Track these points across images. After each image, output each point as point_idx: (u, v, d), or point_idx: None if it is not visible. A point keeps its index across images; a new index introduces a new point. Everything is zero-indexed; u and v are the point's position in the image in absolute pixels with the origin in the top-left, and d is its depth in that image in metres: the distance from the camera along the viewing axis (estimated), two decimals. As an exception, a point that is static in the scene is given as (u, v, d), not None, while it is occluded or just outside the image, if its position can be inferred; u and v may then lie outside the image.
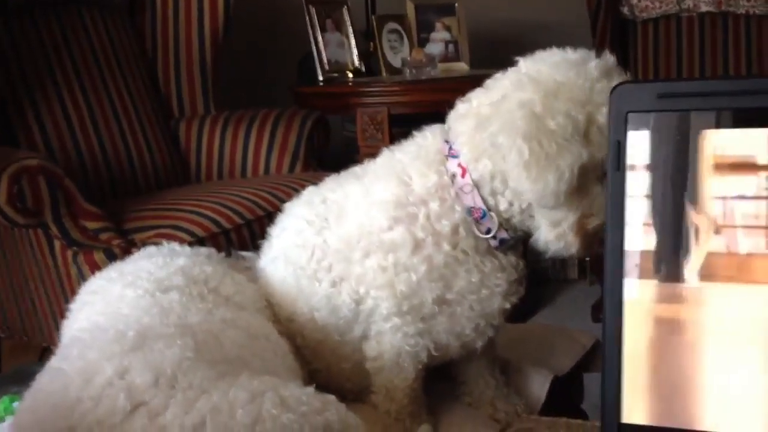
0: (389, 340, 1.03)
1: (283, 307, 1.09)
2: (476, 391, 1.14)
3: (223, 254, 1.18)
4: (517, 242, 1.03)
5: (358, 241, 1.02)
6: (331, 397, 0.76)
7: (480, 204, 0.98)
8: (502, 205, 0.99)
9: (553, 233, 0.97)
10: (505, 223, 1.00)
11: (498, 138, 0.94)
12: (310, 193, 1.12)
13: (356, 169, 1.10)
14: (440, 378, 1.14)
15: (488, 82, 1.01)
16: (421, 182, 1.00)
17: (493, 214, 0.99)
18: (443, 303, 1.00)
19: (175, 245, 1.15)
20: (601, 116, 0.91)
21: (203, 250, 1.15)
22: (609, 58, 0.97)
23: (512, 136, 0.92)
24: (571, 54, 0.97)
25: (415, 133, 1.07)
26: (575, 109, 0.91)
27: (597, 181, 0.94)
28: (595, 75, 0.93)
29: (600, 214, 0.94)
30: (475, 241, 1.00)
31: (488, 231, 1.00)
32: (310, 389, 0.76)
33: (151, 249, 1.14)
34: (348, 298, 1.03)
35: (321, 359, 1.10)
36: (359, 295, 1.02)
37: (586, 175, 0.92)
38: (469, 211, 0.99)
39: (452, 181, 0.99)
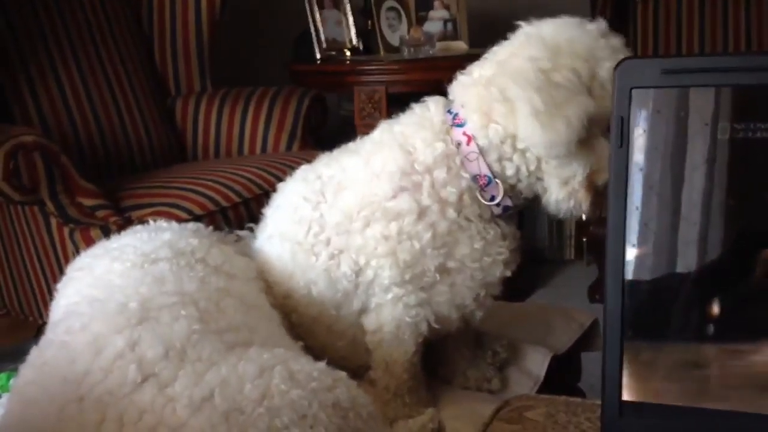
0: (389, 312, 1.03)
1: (280, 284, 1.09)
2: (451, 363, 1.16)
3: (210, 228, 1.18)
4: (514, 211, 1.05)
5: (359, 211, 1.02)
6: (342, 374, 0.76)
7: (486, 171, 1.00)
8: (509, 171, 1.00)
9: (564, 191, 1.00)
10: (509, 190, 1.02)
11: (509, 92, 0.96)
12: (304, 170, 1.12)
13: (350, 145, 1.11)
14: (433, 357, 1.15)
15: (487, 55, 1.04)
16: (427, 151, 1.01)
17: (498, 181, 1.00)
18: (444, 272, 1.01)
19: (162, 222, 1.15)
20: (603, 71, 0.95)
21: (190, 225, 1.15)
22: (602, 22, 1.01)
23: (524, 88, 0.94)
24: (569, 18, 1.02)
25: (413, 105, 1.07)
26: (578, 63, 0.95)
27: (602, 135, 0.96)
28: (595, 33, 0.98)
29: (607, 169, 0.96)
30: (480, 208, 1.01)
31: (492, 198, 1.01)
32: (321, 364, 0.76)
33: (137, 227, 1.14)
34: (348, 269, 1.03)
35: (316, 337, 1.10)
36: (359, 266, 1.03)
37: (591, 128, 0.94)
38: (475, 178, 1.01)
39: (457, 149, 1.01)
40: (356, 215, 1.02)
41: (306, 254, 1.06)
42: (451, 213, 1.00)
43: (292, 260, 1.08)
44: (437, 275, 1.01)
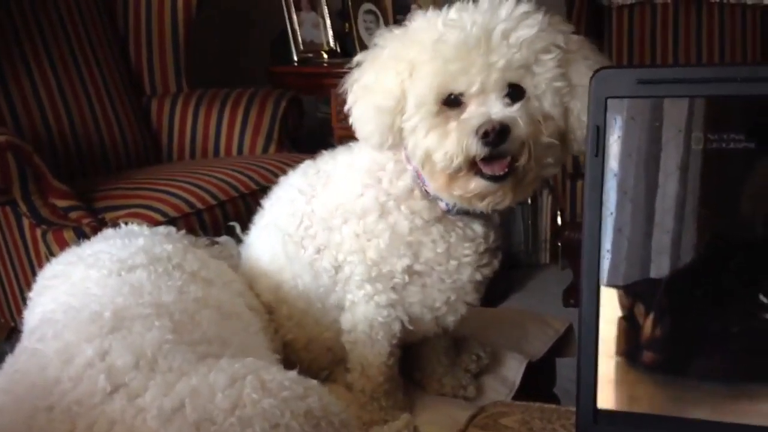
0: (362, 311, 1.04)
1: (270, 275, 1.12)
2: (428, 369, 1.16)
3: (183, 232, 1.18)
4: (486, 212, 1.02)
5: (337, 208, 1.04)
6: (314, 382, 0.76)
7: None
8: None
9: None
10: None
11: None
12: (306, 164, 1.14)
13: (352, 143, 1.11)
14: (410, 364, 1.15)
15: None
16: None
17: None
18: (413, 273, 1.02)
19: (133, 226, 1.15)
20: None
21: (161, 229, 1.16)
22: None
23: None
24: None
25: None
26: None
27: None
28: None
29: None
30: (428, 203, 1.01)
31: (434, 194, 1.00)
32: (293, 373, 0.76)
33: (108, 232, 1.14)
34: (328, 264, 1.06)
35: (304, 329, 1.11)
36: (338, 262, 1.05)
37: None
38: (416, 173, 1.00)
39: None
40: (335, 212, 1.04)
41: (296, 246, 1.08)
42: (404, 209, 1.00)
43: (283, 251, 1.10)
44: (406, 276, 1.01)
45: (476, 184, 0.93)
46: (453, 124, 0.91)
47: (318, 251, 1.06)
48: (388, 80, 0.96)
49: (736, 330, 0.61)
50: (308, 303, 1.10)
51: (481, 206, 0.96)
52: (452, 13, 0.95)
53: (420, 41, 0.96)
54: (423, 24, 0.97)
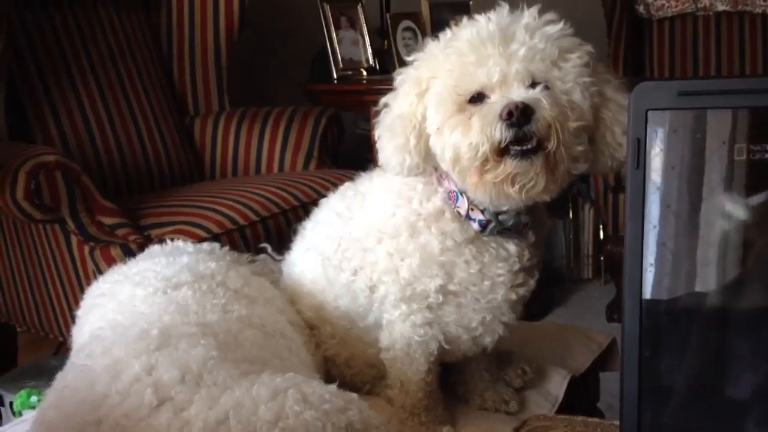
0: (399, 329, 1.05)
1: (313, 296, 1.13)
2: (470, 384, 1.16)
3: (226, 248, 1.20)
4: (519, 230, 1.02)
5: (371, 229, 1.05)
6: (354, 396, 0.76)
7: (452, 186, 1.00)
8: None
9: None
10: (479, 203, 0.99)
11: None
12: (346, 186, 1.16)
13: None
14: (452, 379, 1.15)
15: None
16: None
17: (462, 194, 0.99)
18: (448, 293, 1.02)
19: (179, 243, 1.17)
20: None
21: (206, 246, 1.17)
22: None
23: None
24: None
25: None
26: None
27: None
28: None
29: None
30: (460, 225, 1.00)
31: (469, 216, 1.00)
32: (333, 387, 0.76)
33: (153, 249, 1.16)
34: (364, 285, 1.06)
35: (346, 345, 1.12)
36: (373, 282, 1.05)
37: None
38: (448, 194, 1.00)
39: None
40: (370, 232, 1.04)
41: (335, 269, 1.09)
42: (434, 230, 1.00)
43: (323, 274, 1.11)
44: (440, 297, 1.01)
45: (506, 165, 0.90)
46: (476, 117, 0.91)
47: (354, 273, 1.07)
48: (402, 104, 0.98)
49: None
50: (350, 322, 1.11)
51: (514, 195, 0.92)
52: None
53: (433, 55, 0.96)
54: (435, 43, 0.99)
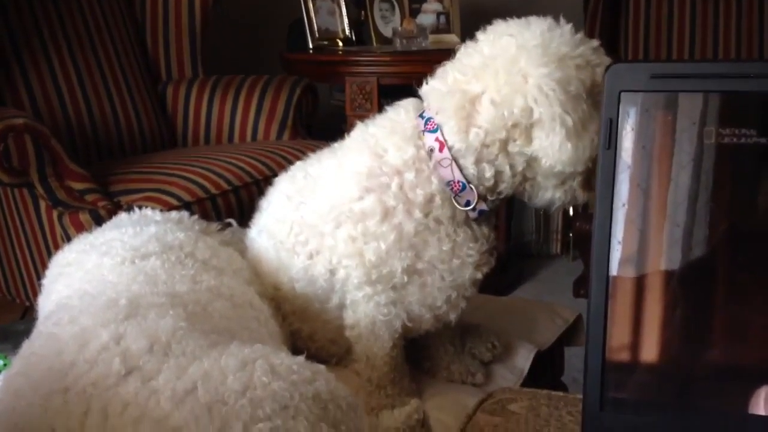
0: (363, 309, 1.06)
1: (269, 276, 1.13)
2: (436, 357, 1.17)
3: (195, 217, 1.19)
4: (490, 213, 1.05)
5: (329, 212, 1.04)
6: (321, 367, 0.77)
7: (459, 177, 1.00)
8: (488, 173, 1.00)
9: (561, 191, 1.01)
10: (488, 192, 1.01)
11: (535, 113, 0.94)
12: (296, 167, 1.15)
13: (335, 145, 1.12)
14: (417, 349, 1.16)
15: (460, 57, 1.03)
16: (397, 155, 1.01)
17: (472, 186, 1.00)
18: (414, 273, 1.02)
19: (147, 211, 1.16)
20: (598, 76, 0.94)
21: (174, 215, 1.16)
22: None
23: (552, 105, 0.92)
24: (538, 18, 1.00)
25: (387, 108, 1.08)
26: (583, 72, 0.94)
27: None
28: (579, 36, 0.97)
29: None
30: (453, 211, 1.02)
31: (468, 203, 1.01)
32: (301, 358, 0.77)
33: (121, 217, 1.15)
34: (323, 269, 1.06)
35: (308, 322, 1.12)
36: (333, 266, 1.05)
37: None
38: (449, 184, 1.00)
39: (429, 156, 1.01)
40: (327, 216, 1.04)
41: (288, 253, 1.09)
42: (418, 214, 1.00)
43: (276, 257, 1.11)
44: (405, 276, 1.02)
45: None
46: None
47: (310, 257, 1.07)
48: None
49: (746, 322, 0.61)
50: (307, 302, 1.11)
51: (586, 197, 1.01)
52: None
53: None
54: None
